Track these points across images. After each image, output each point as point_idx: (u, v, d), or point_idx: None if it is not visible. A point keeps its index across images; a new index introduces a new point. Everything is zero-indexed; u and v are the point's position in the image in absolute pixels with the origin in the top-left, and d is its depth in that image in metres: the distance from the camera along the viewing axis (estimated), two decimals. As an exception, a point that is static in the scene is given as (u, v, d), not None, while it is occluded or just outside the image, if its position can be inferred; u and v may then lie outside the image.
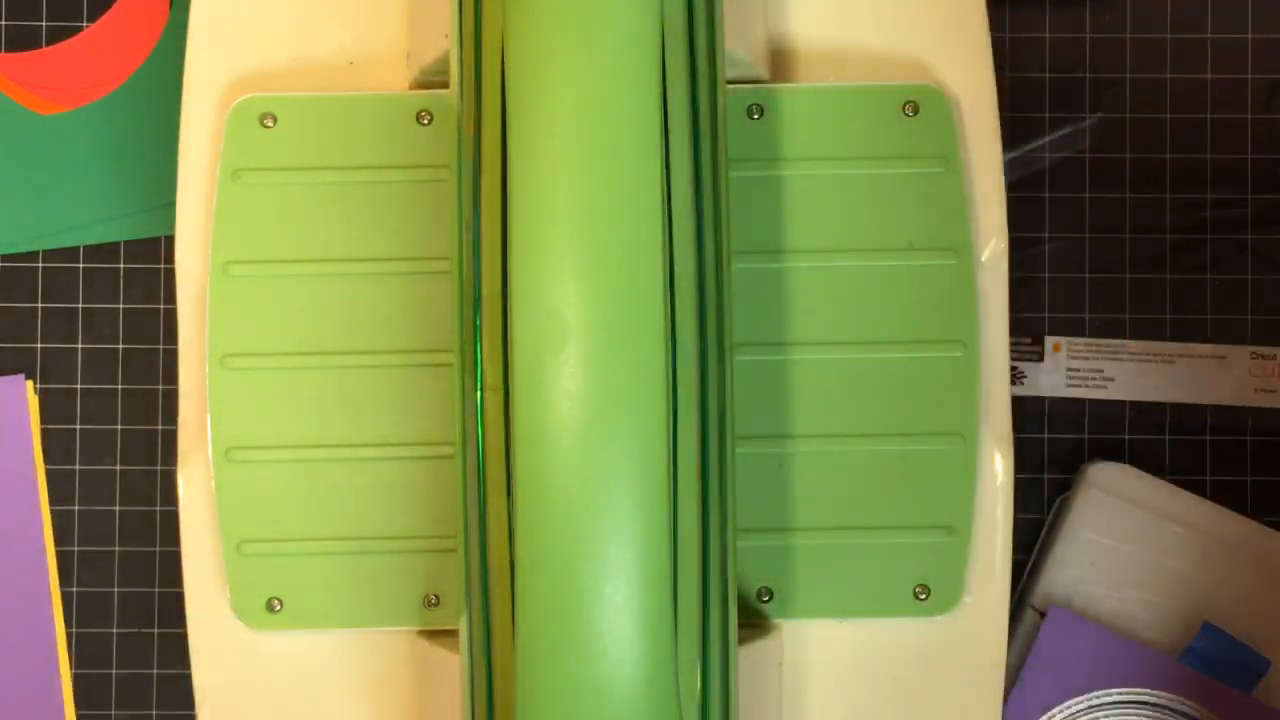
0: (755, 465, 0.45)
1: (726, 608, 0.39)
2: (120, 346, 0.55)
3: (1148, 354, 0.55)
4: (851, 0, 0.46)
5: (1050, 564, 0.53)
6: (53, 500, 0.55)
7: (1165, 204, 0.55)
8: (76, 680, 0.55)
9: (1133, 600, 0.53)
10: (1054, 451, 0.55)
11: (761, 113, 0.45)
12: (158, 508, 0.55)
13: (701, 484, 0.38)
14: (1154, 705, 0.51)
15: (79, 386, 0.55)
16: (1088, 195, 0.55)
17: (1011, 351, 0.55)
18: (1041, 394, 0.55)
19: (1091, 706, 0.51)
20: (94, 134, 0.55)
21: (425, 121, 0.45)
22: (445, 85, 0.46)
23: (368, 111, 0.45)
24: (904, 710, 0.46)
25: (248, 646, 0.45)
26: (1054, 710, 0.52)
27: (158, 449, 0.55)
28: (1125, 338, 0.55)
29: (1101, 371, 0.55)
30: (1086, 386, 0.55)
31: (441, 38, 0.44)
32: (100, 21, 0.55)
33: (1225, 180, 0.55)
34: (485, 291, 0.38)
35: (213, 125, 0.46)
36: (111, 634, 0.55)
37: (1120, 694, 0.52)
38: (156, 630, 0.55)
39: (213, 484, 0.45)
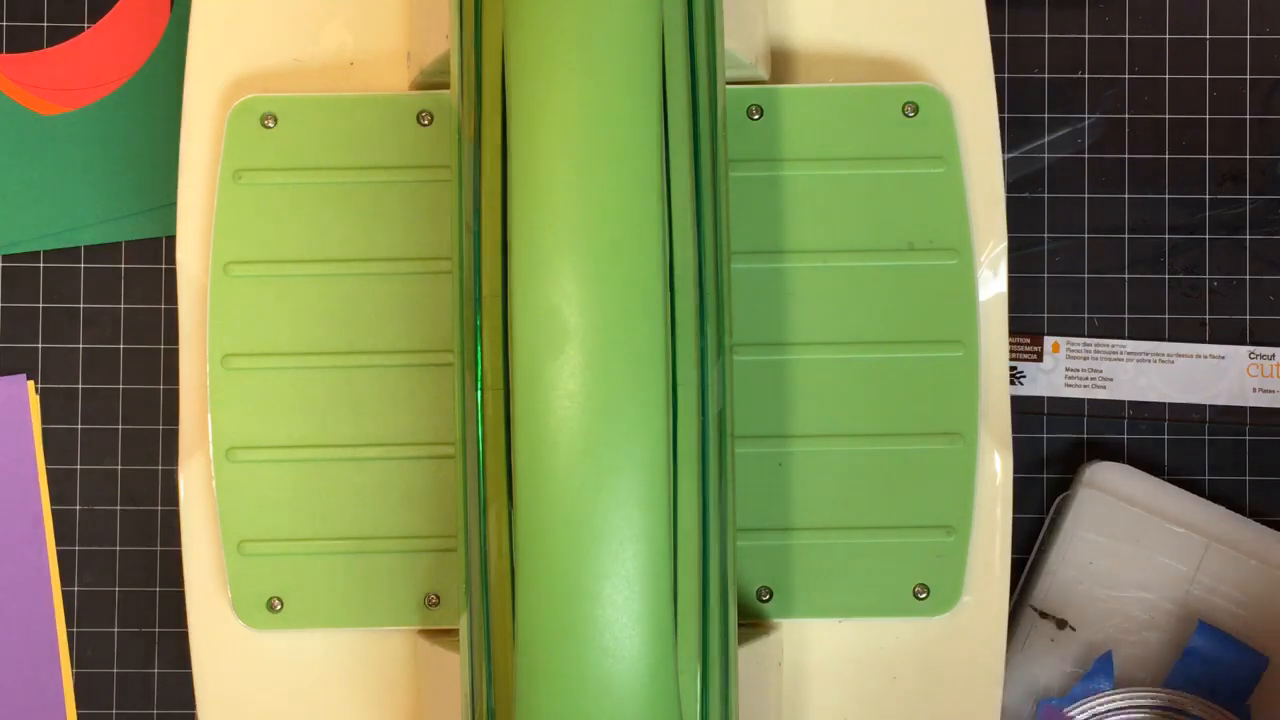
0: (755, 465, 0.45)
1: (726, 608, 0.39)
2: (121, 346, 0.55)
3: (1146, 354, 0.55)
4: (851, 1, 0.46)
5: (1049, 564, 0.53)
6: (53, 500, 0.55)
7: (1164, 204, 0.55)
8: (77, 680, 0.55)
9: (1131, 600, 0.53)
10: (1053, 451, 0.55)
11: (761, 113, 0.45)
12: (158, 508, 0.55)
13: (701, 484, 0.38)
14: (1153, 708, 0.51)
15: (80, 386, 0.55)
16: (1087, 195, 0.55)
17: (1011, 351, 0.55)
18: (1040, 394, 0.55)
19: (1094, 716, 0.51)
20: (94, 134, 0.55)
21: (425, 122, 0.45)
22: (445, 85, 0.46)
23: (368, 112, 0.45)
24: (904, 710, 0.46)
25: (248, 646, 0.45)
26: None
27: (158, 449, 0.55)
28: (1124, 338, 0.55)
29: (1100, 371, 0.55)
30: (1085, 386, 0.55)
31: (442, 38, 0.44)
32: (101, 22, 0.55)
33: (1224, 180, 0.55)
34: (485, 291, 0.38)
35: (213, 126, 0.46)
36: (112, 633, 0.55)
37: (1120, 695, 0.52)
38: (157, 630, 0.55)
39: (213, 484, 0.45)
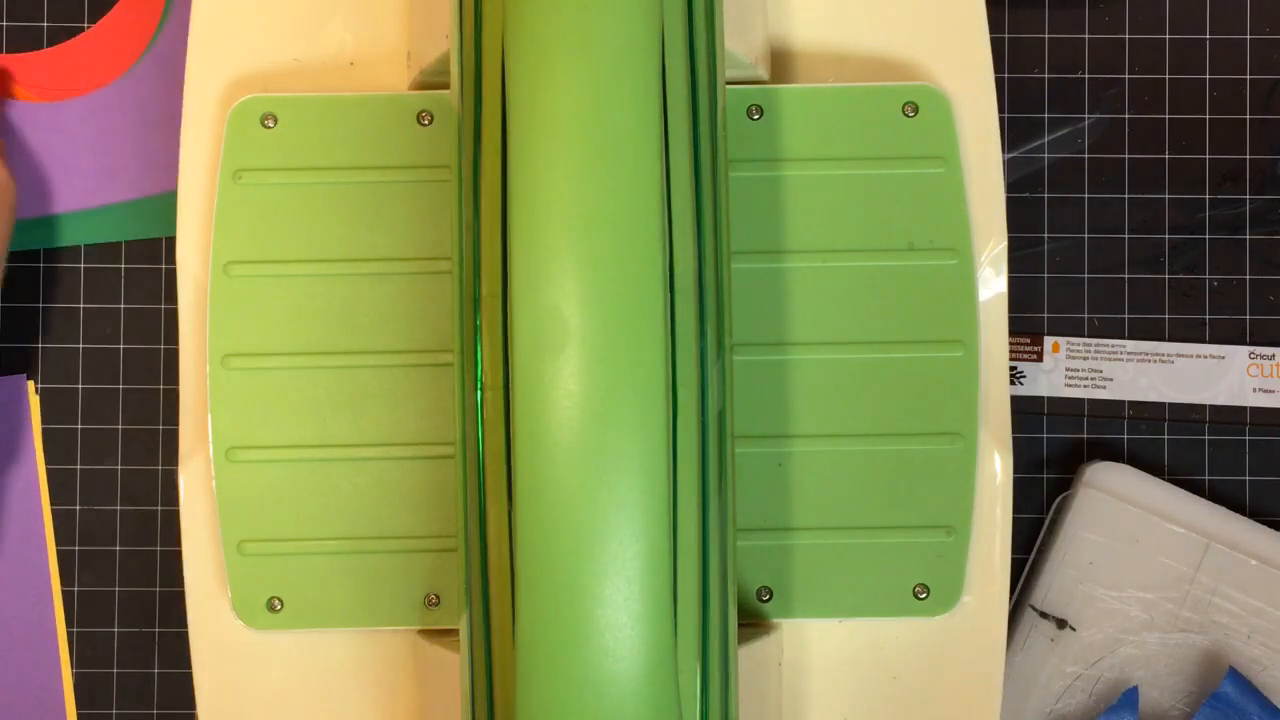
0: (755, 465, 0.45)
1: (726, 608, 0.39)
2: (121, 346, 0.55)
3: (1146, 354, 0.55)
4: (851, 1, 0.46)
5: (1049, 564, 0.53)
6: (53, 500, 0.55)
7: (1164, 204, 0.55)
8: (77, 680, 0.55)
9: (1131, 600, 0.53)
10: (1053, 451, 0.55)
11: (761, 113, 0.45)
12: (158, 508, 0.55)
13: (701, 484, 0.38)
14: None
15: (80, 386, 0.55)
16: (1087, 195, 0.55)
17: (1011, 351, 0.55)
18: (1040, 394, 0.55)
19: None
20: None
21: (425, 122, 0.45)
22: (445, 85, 0.46)
23: (368, 112, 0.45)
24: (904, 710, 0.46)
25: (248, 646, 0.45)
26: None
27: (158, 449, 0.55)
28: (1124, 338, 0.55)
29: (1100, 371, 0.55)
30: (1085, 386, 0.55)
31: (442, 38, 0.44)
32: (101, 22, 0.55)
33: (1224, 180, 0.55)
34: (485, 291, 0.38)
35: (214, 125, 0.46)
36: (112, 633, 0.55)
37: None
38: (157, 630, 0.55)
39: (213, 484, 0.45)
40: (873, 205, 0.45)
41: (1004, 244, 0.46)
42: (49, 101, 0.55)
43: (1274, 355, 0.55)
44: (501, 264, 0.37)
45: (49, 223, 0.55)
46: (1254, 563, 0.53)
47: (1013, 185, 0.55)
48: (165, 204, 0.55)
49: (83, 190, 0.55)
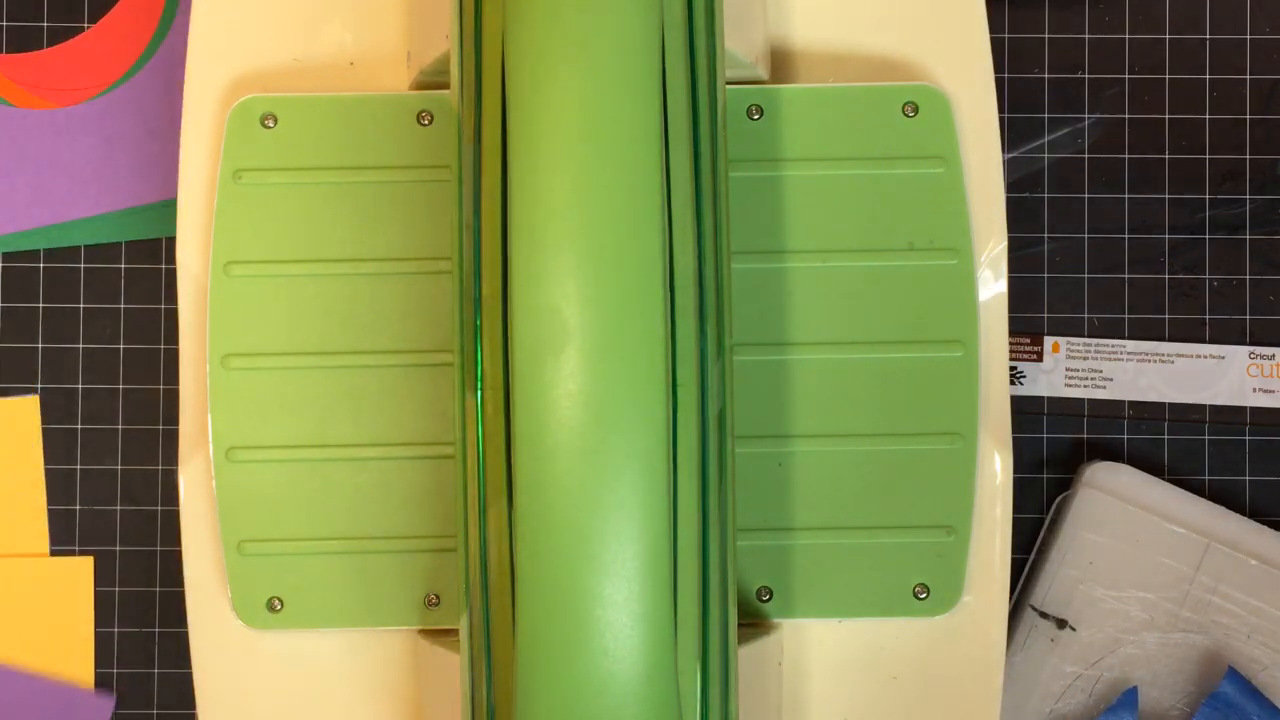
0: (755, 465, 0.45)
1: (726, 608, 0.39)
2: (121, 346, 0.55)
3: (1146, 354, 0.55)
4: (851, 1, 0.46)
5: (1049, 564, 0.53)
6: (53, 500, 0.55)
7: (1164, 204, 0.55)
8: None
9: (1131, 600, 0.53)
10: (1053, 451, 0.55)
11: (761, 113, 0.45)
12: (158, 508, 0.55)
13: (701, 484, 0.38)
14: None
15: (80, 386, 0.55)
16: (1086, 195, 0.55)
17: (1011, 351, 0.55)
18: (1040, 394, 0.55)
19: None
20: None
21: (425, 122, 0.45)
22: (445, 86, 0.46)
23: (368, 112, 0.45)
24: (903, 710, 0.46)
25: (248, 646, 0.45)
26: None
27: (158, 449, 0.55)
28: (1124, 338, 0.55)
29: (1100, 371, 0.55)
30: (1085, 386, 0.55)
31: (442, 38, 0.44)
32: (101, 22, 0.55)
33: (1224, 180, 0.55)
34: (485, 291, 0.38)
35: (213, 125, 0.46)
36: (113, 633, 0.55)
37: None
38: (157, 630, 0.55)
39: (213, 484, 0.45)
40: (873, 205, 0.45)
41: (1004, 244, 0.46)
42: (50, 108, 0.55)
43: (1274, 355, 0.55)
44: (501, 264, 0.37)
45: (50, 230, 0.55)
46: (1254, 563, 0.53)
47: (1013, 185, 0.55)
48: (166, 208, 0.55)
49: (84, 198, 0.55)
